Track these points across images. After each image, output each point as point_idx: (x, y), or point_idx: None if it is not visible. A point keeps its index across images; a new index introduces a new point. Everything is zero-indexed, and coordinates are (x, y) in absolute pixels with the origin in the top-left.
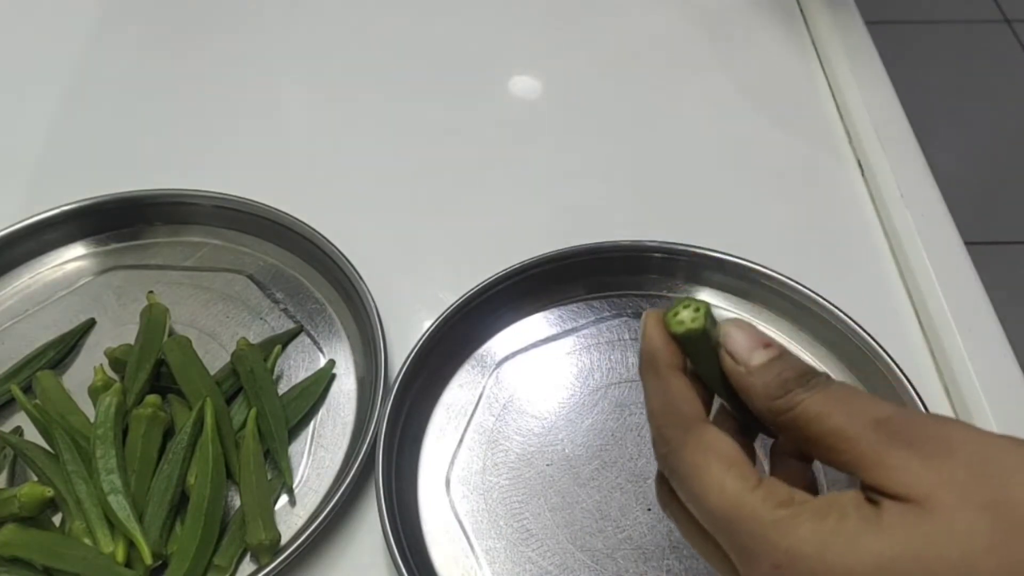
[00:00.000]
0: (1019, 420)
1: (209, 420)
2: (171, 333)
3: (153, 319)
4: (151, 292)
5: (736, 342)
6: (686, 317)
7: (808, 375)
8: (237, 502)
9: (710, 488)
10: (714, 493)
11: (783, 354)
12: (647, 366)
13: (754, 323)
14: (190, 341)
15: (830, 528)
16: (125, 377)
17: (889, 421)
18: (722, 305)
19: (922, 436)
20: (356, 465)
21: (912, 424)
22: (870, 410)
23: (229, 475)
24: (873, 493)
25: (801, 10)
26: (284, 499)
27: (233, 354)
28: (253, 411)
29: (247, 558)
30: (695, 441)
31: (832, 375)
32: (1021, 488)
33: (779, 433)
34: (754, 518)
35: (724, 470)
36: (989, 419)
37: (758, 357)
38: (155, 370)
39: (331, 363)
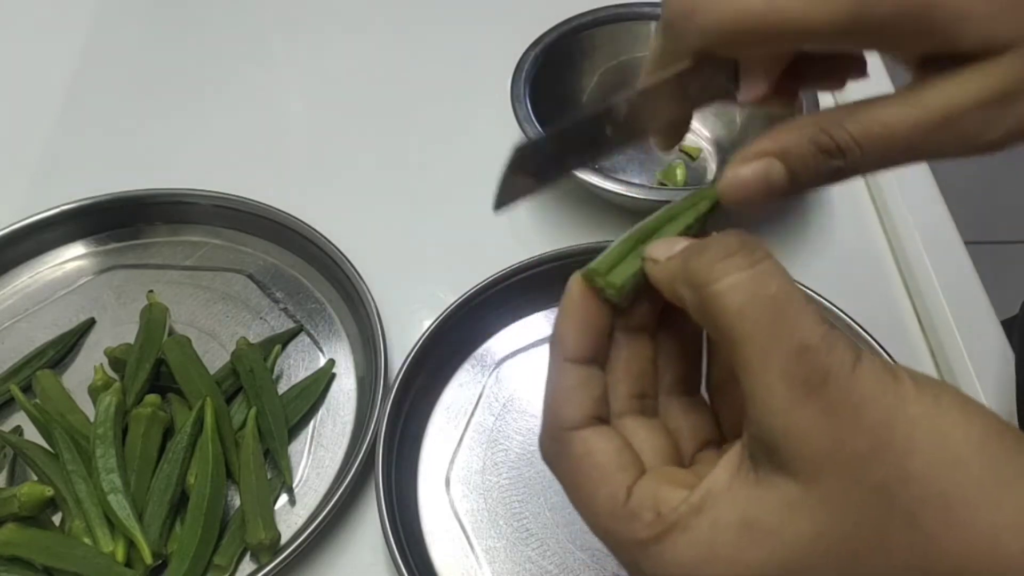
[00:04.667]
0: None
1: (209, 420)
2: (171, 333)
3: (153, 318)
4: (151, 291)
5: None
6: (611, 283)
7: (744, 249)
8: (237, 502)
9: (581, 507)
10: (587, 514)
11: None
12: (551, 347)
13: None
14: (190, 341)
15: (698, 553)
16: (125, 376)
17: (809, 353)
18: None
19: (835, 386)
20: (356, 465)
21: (829, 365)
22: (797, 329)
23: (229, 475)
24: (757, 446)
25: None
26: (284, 499)
27: (233, 354)
28: (253, 411)
29: (247, 557)
30: (567, 453)
31: None
32: (919, 462)
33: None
34: (624, 546)
35: (594, 489)
36: None
37: (682, 244)
38: (155, 370)
39: (331, 363)
